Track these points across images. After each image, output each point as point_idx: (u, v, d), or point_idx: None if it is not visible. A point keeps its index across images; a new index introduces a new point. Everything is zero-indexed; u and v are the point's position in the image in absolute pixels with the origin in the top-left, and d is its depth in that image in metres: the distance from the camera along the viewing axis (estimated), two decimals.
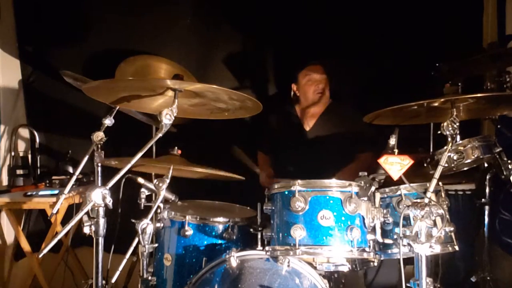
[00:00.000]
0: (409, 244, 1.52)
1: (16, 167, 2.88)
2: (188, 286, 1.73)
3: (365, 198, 1.66)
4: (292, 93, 2.71)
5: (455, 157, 1.79)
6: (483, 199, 2.33)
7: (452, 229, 1.65)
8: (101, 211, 1.44)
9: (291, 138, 2.66)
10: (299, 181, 1.64)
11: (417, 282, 1.49)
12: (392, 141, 1.69)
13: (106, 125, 1.83)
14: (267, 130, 2.78)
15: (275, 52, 3.00)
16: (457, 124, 1.55)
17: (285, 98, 2.81)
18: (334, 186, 1.65)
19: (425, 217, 1.45)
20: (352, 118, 2.49)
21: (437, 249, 1.58)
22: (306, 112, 2.64)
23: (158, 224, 1.94)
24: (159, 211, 1.95)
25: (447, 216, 1.59)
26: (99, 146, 1.81)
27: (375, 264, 1.73)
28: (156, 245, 1.94)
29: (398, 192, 1.70)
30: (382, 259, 1.72)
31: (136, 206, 1.86)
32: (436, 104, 1.67)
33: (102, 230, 1.46)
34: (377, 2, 2.82)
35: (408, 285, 1.51)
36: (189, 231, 1.89)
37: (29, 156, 3.01)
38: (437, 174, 1.52)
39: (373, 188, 1.68)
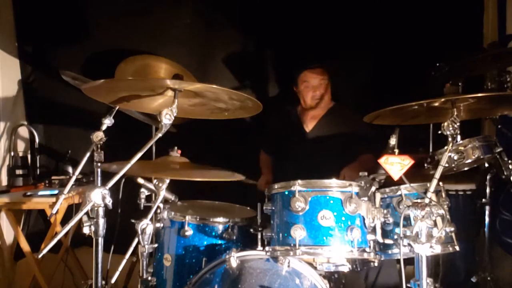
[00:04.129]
0: (409, 245, 1.51)
1: (16, 167, 2.87)
2: (188, 286, 1.73)
3: (366, 198, 1.66)
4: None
5: (455, 157, 1.79)
6: (483, 199, 2.33)
7: (452, 229, 1.65)
8: (101, 211, 1.44)
9: (291, 139, 2.65)
10: (299, 181, 1.64)
11: (418, 282, 1.50)
12: (393, 141, 1.68)
13: (106, 125, 1.82)
14: (268, 130, 2.78)
15: (275, 52, 3.00)
16: (458, 124, 1.55)
17: (285, 98, 2.81)
18: (334, 186, 1.65)
19: (426, 217, 1.45)
20: (353, 120, 2.48)
21: (438, 249, 1.57)
22: (307, 114, 2.64)
23: (158, 224, 1.94)
24: (159, 211, 1.94)
25: (448, 216, 1.58)
26: (99, 146, 1.80)
27: (375, 264, 1.73)
28: (156, 245, 1.93)
29: (399, 192, 1.70)
30: (382, 259, 1.72)
31: (136, 206, 1.86)
32: (436, 104, 1.67)
33: (101, 230, 1.46)
34: (377, 2, 2.82)
35: (408, 285, 1.51)
36: (189, 231, 1.89)
37: (29, 156, 3.00)
38: (437, 174, 1.52)
39: (373, 188, 1.68)
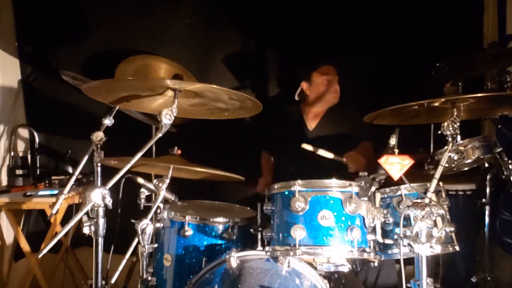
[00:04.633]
0: (409, 245, 1.51)
1: (16, 167, 2.88)
2: (188, 286, 1.73)
3: (366, 198, 1.66)
4: (299, 90, 2.69)
5: (455, 157, 1.79)
6: (483, 199, 2.33)
7: (452, 229, 1.65)
8: (101, 211, 1.44)
9: (292, 138, 2.65)
10: (299, 181, 1.64)
11: (418, 282, 1.49)
12: (393, 141, 1.69)
13: (105, 125, 1.82)
14: (269, 129, 2.78)
15: (275, 52, 3.00)
16: (458, 124, 1.55)
17: (286, 97, 2.81)
18: (334, 186, 1.65)
19: (426, 217, 1.45)
20: (354, 119, 2.47)
21: (438, 249, 1.57)
22: (310, 112, 2.63)
23: (158, 224, 1.94)
24: (159, 211, 1.94)
25: (448, 216, 1.58)
26: (99, 146, 1.80)
27: (376, 264, 1.73)
28: (156, 245, 1.93)
29: (399, 192, 1.70)
30: (382, 259, 1.72)
31: (136, 206, 1.86)
32: (436, 104, 1.67)
33: (101, 230, 1.46)
34: (377, 2, 2.82)
35: (408, 285, 1.51)
36: (189, 231, 1.89)
37: (29, 156, 3.00)
38: (437, 174, 1.52)
39: (373, 188, 1.67)
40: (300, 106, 2.70)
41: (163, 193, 1.55)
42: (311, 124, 2.63)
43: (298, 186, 1.63)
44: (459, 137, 1.69)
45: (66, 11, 2.98)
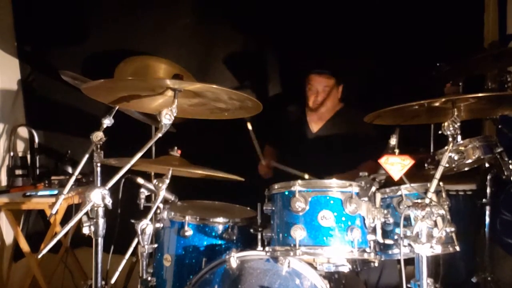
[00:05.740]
0: (409, 245, 1.51)
1: (15, 167, 2.87)
2: (188, 286, 1.73)
3: (366, 199, 1.65)
4: None
5: (456, 157, 1.78)
6: (484, 200, 2.33)
7: (453, 229, 1.64)
8: (101, 211, 1.44)
9: (295, 138, 2.65)
10: (299, 181, 1.64)
11: (418, 282, 1.49)
12: (393, 141, 1.69)
13: (105, 125, 1.82)
14: (270, 129, 2.77)
15: (275, 52, 3.00)
16: (458, 124, 1.55)
17: (286, 98, 2.81)
18: (335, 187, 1.64)
19: (426, 218, 1.45)
20: (359, 123, 2.46)
21: (438, 249, 1.57)
22: (313, 115, 2.63)
23: (157, 225, 1.94)
24: (158, 211, 1.94)
25: (448, 216, 1.58)
26: (99, 146, 1.80)
27: (376, 264, 1.73)
28: (156, 245, 1.93)
29: (399, 193, 1.69)
30: (383, 259, 1.72)
31: (136, 206, 1.86)
32: (437, 104, 1.67)
33: (101, 230, 1.46)
34: (378, 2, 2.82)
35: (409, 285, 1.51)
36: (189, 232, 1.89)
37: (28, 156, 3.00)
38: (438, 175, 1.52)
39: (373, 189, 1.67)
40: (305, 109, 2.69)
41: (163, 193, 1.55)
42: (314, 127, 2.62)
43: (298, 186, 1.63)
44: (459, 137, 1.69)
45: (65, 11, 2.98)
